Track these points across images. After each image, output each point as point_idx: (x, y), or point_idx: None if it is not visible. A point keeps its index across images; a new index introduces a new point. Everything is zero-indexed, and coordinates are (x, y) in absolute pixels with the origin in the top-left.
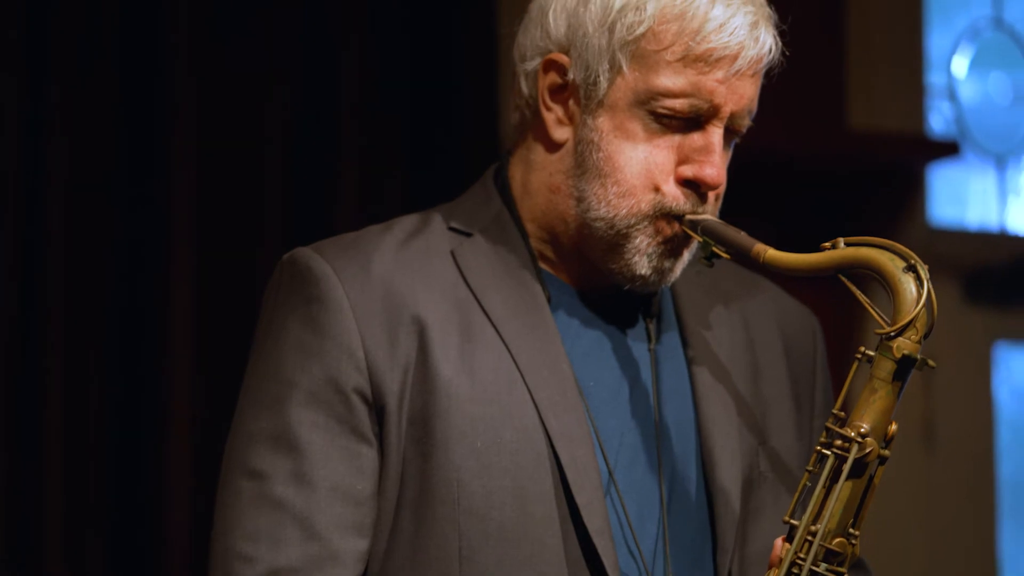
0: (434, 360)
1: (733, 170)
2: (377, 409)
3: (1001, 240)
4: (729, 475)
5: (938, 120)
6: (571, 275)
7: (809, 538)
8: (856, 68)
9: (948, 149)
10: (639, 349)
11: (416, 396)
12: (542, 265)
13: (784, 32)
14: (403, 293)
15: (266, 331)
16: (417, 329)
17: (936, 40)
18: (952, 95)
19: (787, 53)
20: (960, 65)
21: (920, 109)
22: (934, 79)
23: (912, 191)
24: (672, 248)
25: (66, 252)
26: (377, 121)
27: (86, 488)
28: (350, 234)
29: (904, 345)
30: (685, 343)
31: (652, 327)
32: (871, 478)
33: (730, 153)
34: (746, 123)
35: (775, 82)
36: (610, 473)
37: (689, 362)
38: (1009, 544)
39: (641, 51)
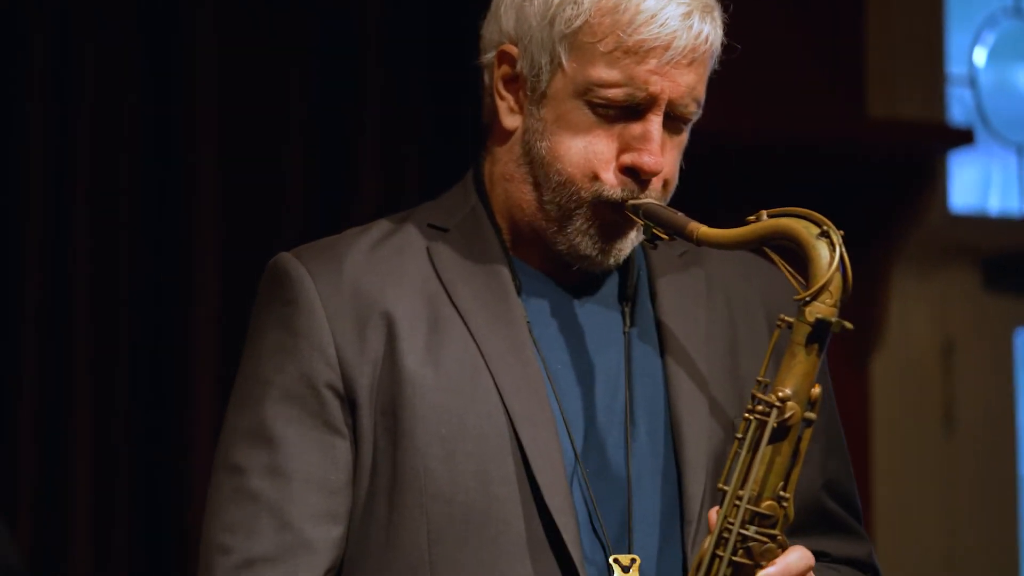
0: (400, 353)
1: (756, 157)
2: (349, 402)
3: (1021, 226)
4: (697, 451)
5: (958, 108)
6: (543, 263)
7: (737, 503)
8: (876, 57)
9: (967, 137)
10: (612, 332)
11: (385, 389)
12: (514, 255)
13: (805, 22)
14: (373, 291)
15: (251, 334)
16: (386, 324)
17: (955, 29)
18: (972, 83)
19: (730, 42)
20: (980, 54)
21: (940, 97)
22: (954, 68)
23: (932, 179)
24: (614, 230)
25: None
26: (398, 103)
27: (112, 484)
28: (330, 237)
29: (818, 309)
30: (659, 324)
31: (627, 310)
32: (799, 440)
33: (684, 138)
34: (691, 111)
35: (796, 71)
36: (575, 453)
37: (662, 343)
38: None
39: (579, 43)
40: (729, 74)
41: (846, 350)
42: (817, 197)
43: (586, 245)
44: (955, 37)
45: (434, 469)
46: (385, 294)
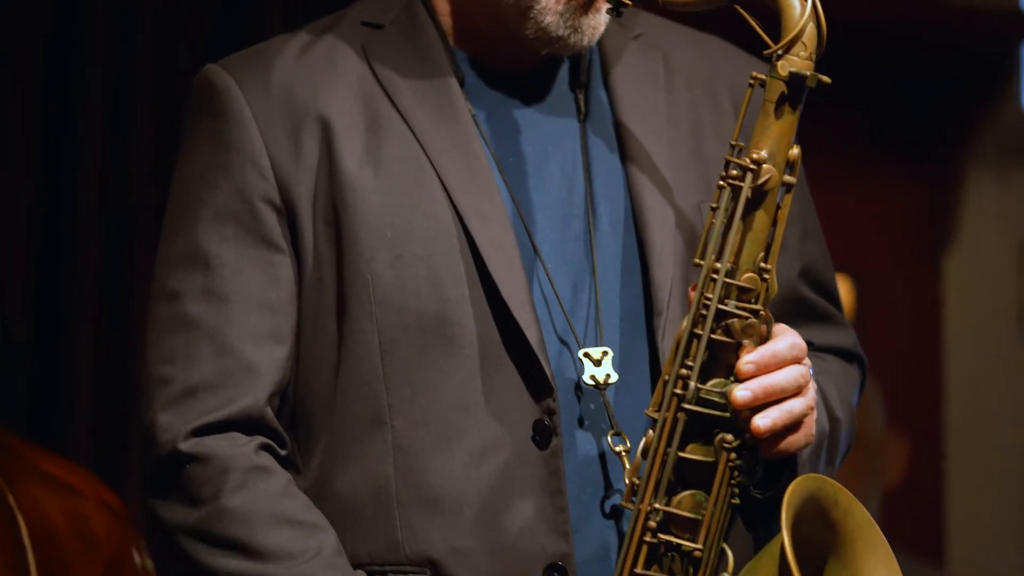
0: (339, 157)
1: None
2: (288, 214)
3: None
4: (663, 237)
5: None
6: (489, 54)
7: (713, 276)
8: None
9: None
10: (567, 122)
11: (324, 196)
12: (459, 47)
13: None
14: (306, 95)
15: (181, 155)
16: (321, 128)
17: None
18: None
19: None
20: None
21: None
22: None
23: (1009, 73)
24: (583, 3)
25: None
26: None
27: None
28: (257, 45)
29: (792, 63)
30: (615, 110)
31: (581, 97)
32: (778, 208)
33: None
34: None
35: None
36: (533, 247)
37: (619, 129)
38: None
39: None
40: None
41: (919, 247)
42: (891, 86)
43: (556, 24)
44: None
45: (382, 275)
46: (318, 97)
